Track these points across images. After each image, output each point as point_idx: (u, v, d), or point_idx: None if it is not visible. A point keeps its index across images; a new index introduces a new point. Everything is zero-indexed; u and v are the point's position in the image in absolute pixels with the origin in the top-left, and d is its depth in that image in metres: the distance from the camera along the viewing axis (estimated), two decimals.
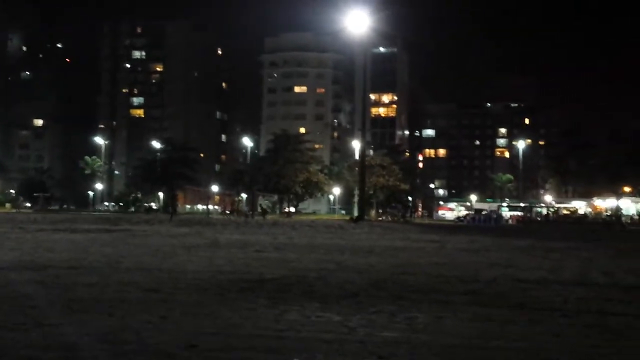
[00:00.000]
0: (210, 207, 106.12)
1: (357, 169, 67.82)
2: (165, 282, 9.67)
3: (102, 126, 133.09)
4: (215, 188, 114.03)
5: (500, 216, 74.28)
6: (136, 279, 10.03)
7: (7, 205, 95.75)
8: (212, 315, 6.89)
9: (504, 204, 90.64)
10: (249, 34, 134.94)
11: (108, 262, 12.89)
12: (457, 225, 56.49)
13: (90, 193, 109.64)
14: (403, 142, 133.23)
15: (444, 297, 8.68)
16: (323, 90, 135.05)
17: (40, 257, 13.60)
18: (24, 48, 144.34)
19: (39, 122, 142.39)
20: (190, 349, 5.26)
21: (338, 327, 6.29)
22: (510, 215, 77.30)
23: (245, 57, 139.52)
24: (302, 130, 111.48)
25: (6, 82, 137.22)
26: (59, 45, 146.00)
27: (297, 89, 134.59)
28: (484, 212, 75.19)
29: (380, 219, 68.05)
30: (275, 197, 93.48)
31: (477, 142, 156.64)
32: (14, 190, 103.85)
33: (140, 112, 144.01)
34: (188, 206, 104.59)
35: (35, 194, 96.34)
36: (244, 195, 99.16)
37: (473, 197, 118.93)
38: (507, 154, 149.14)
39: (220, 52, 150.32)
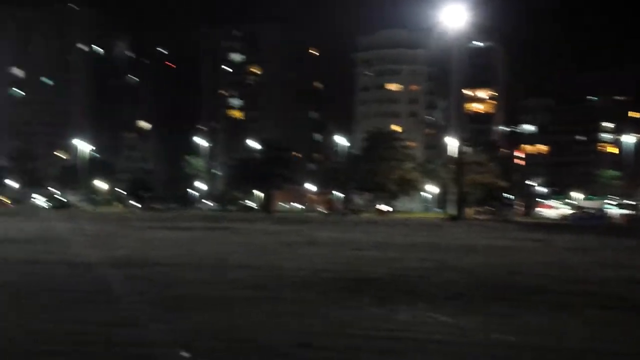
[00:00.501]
0: (306, 205, 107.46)
1: (452, 166, 66.43)
2: (270, 280, 9.81)
3: (203, 127, 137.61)
4: (310, 187, 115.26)
5: (606, 214, 70.60)
6: (242, 276, 10.23)
7: (116, 204, 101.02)
8: (319, 313, 6.90)
9: (611, 202, 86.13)
10: (342, 32, 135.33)
11: (213, 259, 13.26)
12: (560, 224, 54.27)
13: (192, 192, 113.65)
14: (500, 138, 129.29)
15: (556, 298, 8.31)
16: (417, 87, 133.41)
17: (148, 255, 14.12)
18: (130, 54, 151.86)
19: (144, 125, 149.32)
20: (304, 348, 5.27)
21: (450, 329, 6.13)
22: (618, 214, 73.32)
23: (338, 56, 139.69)
24: (396, 128, 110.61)
25: (114, 87, 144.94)
26: (162, 51, 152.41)
27: (390, 87, 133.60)
28: (588, 210, 71.73)
29: (477, 217, 66.41)
30: (370, 195, 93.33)
31: (580, 137, 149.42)
32: (122, 190, 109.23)
33: (238, 114, 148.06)
34: (284, 204, 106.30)
35: (141, 194, 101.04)
36: (338, 194, 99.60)
37: (576, 195, 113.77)
38: (611, 149, 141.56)
39: (313, 52, 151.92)
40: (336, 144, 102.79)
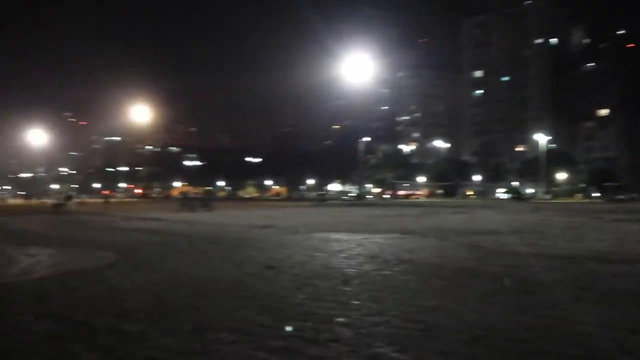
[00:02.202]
0: None
1: None
2: None
3: None
4: None
5: None
6: None
7: (578, 195, 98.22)
8: None
9: None
10: None
11: None
12: None
13: None
14: None
15: None
16: None
17: (630, 249, 12.88)
18: (586, 40, 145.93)
19: (603, 112, 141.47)
20: None
21: None
22: None
23: None
24: None
25: (570, 77, 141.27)
26: (620, 32, 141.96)
27: None
28: None
29: None
30: None
31: None
32: (582, 181, 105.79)
33: None
34: None
35: (603, 184, 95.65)
36: None
37: None
38: None
39: None
40: None
